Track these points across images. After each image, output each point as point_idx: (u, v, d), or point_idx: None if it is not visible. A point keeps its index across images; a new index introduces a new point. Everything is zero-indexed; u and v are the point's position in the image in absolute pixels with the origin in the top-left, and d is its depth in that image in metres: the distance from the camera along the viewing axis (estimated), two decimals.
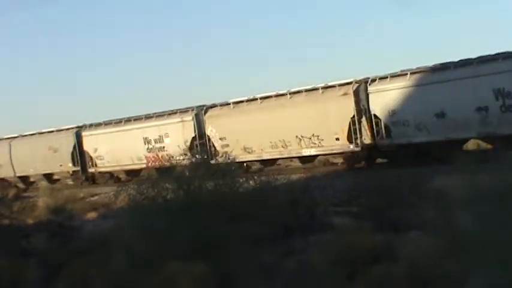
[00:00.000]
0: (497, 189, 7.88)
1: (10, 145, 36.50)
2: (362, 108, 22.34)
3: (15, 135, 37.07)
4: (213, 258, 10.43)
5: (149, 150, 29.80)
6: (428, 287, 8.61)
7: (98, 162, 32.32)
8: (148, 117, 30.62)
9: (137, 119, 31.10)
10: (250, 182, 12.73)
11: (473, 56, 20.17)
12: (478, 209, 7.93)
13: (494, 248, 7.52)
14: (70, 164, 33.27)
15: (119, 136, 31.15)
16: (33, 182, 36.58)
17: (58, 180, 35.17)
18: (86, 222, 19.90)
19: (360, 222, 12.95)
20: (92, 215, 21.21)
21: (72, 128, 33.77)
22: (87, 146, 32.77)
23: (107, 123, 32.75)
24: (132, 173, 30.95)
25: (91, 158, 32.65)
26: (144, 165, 29.95)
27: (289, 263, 11.04)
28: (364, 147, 22.28)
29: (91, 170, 32.74)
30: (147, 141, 29.98)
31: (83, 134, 33.06)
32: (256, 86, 72.08)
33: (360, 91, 22.50)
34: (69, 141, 33.27)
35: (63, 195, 25.26)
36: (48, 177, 35.12)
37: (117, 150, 31.07)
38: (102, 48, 74.15)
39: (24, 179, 36.46)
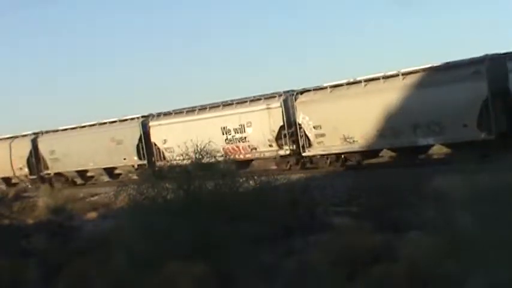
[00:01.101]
0: (497, 189, 7.88)
1: (68, 137, 33.92)
2: None
3: (73, 125, 34.37)
4: (213, 258, 10.43)
5: (228, 141, 26.87)
6: (428, 287, 8.61)
7: (168, 155, 28.68)
8: (227, 104, 27.46)
9: (214, 106, 27.93)
10: (250, 182, 12.73)
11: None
12: (478, 209, 7.93)
13: (494, 248, 7.52)
14: (135, 157, 30.42)
15: (192, 126, 27.62)
16: (91, 177, 34.53)
17: (120, 174, 32.65)
18: (86, 222, 19.89)
19: (360, 222, 12.95)
20: (92, 215, 21.19)
21: (138, 118, 30.90)
22: (155, 137, 29.91)
23: (178, 112, 29.68)
24: None
25: (159, 150, 29.68)
26: (221, 158, 27.18)
27: (289, 263, 11.04)
28: None
29: (160, 163, 28.07)
30: (225, 131, 26.95)
31: (150, 124, 30.27)
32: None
33: None
34: (135, 132, 30.54)
35: (63, 195, 25.26)
36: (110, 171, 32.59)
37: (190, 141, 28.04)
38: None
39: (82, 173, 34.03)
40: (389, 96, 21.30)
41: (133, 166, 30.77)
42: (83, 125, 33.70)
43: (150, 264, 10.59)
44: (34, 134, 35.96)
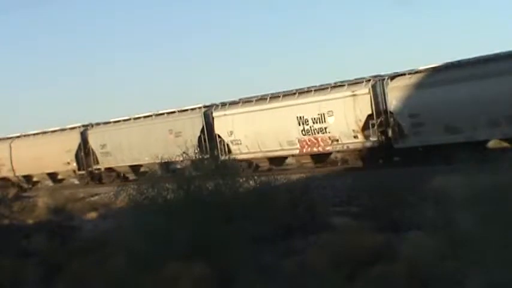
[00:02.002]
0: (497, 189, 7.88)
1: (120, 129, 31.57)
2: None
3: (127, 117, 31.93)
4: (213, 258, 10.43)
5: (305, 132, 24.49)
6: (428, 287, 8.61)
7: (234, 148, 26.57)
8: (303, 91, 24.91)
9: (288, 94, 25.46)
10: (250, 182, 12.72)
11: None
12: (478, 208, 7.93)
13: (494, 248, 7.52)
14: (196, 151, 28.17)
15: (263, 116, 25.49)
16: (145, 173, 30.16)
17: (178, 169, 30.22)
18: (86, 222, 19.89)
19: (360, 222, 12.96)
20: (92, 215, 21.19)
21: (200, 108, 28.45)
22: (220, 128, 27.32)
23: (246, 101, 27.00)
24: (277, 161, 26.32)
25: (223, 142, 27.01)
26: (296, 151, 25.09)
27: (289, 263, 11.04)
28: None
29: (224, 157, 24.78)
30: (302, 121, 24.42)
31: (214, 114, 27.68)
32: None
33: None
34: (196, 124, 28.03)
35: (63, 196, 25.26)
36: (166, 166, 30.42)
37: (260, 133, 25.66)
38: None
39: (136, 168, 31.09)
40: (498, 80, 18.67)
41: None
42: (136, 116, 31.47)
43: (150, 264, 10.59)
44: (83, 126, 33.62)
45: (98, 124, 33.65)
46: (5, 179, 36.75)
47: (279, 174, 17.22)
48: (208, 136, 27.35)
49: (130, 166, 31.21)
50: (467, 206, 8.18)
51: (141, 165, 30.67)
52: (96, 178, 32.92)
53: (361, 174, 20.53)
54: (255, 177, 13.19)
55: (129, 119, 31.61)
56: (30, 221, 21.03)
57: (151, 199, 12.21)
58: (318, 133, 23.89)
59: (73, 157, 32.99)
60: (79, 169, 33.10)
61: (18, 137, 37.25)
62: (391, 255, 9.99)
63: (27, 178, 36.05)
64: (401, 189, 14.41)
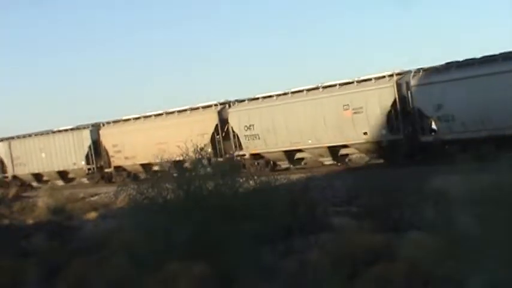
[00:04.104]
0: (497, 189, 7.88)
1: (272, 106, 26.42)
2: None
3: (280, 92, 26.53)
4: (213, 258, 10.43)
5: None
6: (428, 287, 8.61)
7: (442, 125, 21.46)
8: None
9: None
10: (250, 182, 12.71)
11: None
12: (478, 209, 7.93)
13: (494, 248, 7.52)
14: (384, 131, 22.68)
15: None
16: (301, 160, 26.49)
17: (346, 155, 24.88)
18: (86, 222, 19.89)
19: (360, 222, 12.97)
20: (92, 215, 21.20)
21: (391, 76, 22.94)
22: (422, 101, 21.76)
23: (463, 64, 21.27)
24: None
25: (426, 118, 22.05)
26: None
27: (289, 263, 11.04)
28: None
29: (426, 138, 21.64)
30: None
31: (413, 82, 21.94)
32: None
33: None
34: (386, 96, 22.69)
35: (63, 195, 25.26)
36: (335, 151, 24.70)
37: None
38: None
39: (291, 154, 26.10)
40: None
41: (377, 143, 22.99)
42: (294, 90, 25.89)
43: (150, 264, 10.59)
44: (222, 104, 28.45)
45: (241, 101, 27.98)
46: (119, 168, 32.59)
47: (279, 174, 17.23)
48: (402, 112, 22.22)
49: (285, 152, 25.92)
50: (467, 206, 8.18)
51: (298, 150, 25.79)
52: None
53: (361, 174, 20.54)
54: (255, 177, 13.18)
55: (285, 94, 26.22)
56: (30, 221, 21.05)
57: (151, 199, 12.21)
58: None
59: (208, 141, 27.30)
60: (215, 155, 27.06)
61: (137, 118, 32.55)
62: (391, 255, 9.98)
63: (147, 167, 30.01)
64: (402, 189, 14.42)
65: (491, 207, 7.70)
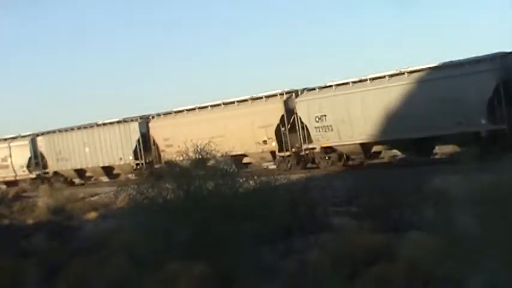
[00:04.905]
0: (497, 189, 7.88)
1: (345, 94, 23.54)
2: None
3: (356, 78, 23.45)
4: (213, 258, 10.43)
5: None
6: (428, 287, 8.61)
7: None
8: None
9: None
10: (250, 182, 12.72)
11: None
12: (478, 209, 7.93)
13: (494, 248, 7.52)
14: (483, 120, 19.98)
15: None
16: (378, 153, 23.77)
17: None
18: (86, 222, 19.89)
19: (360, 222, 12.97)
20: (92, 215, 21.20)
21: (493, 59, 20.16)
22: None
23: None
24: None
25: None
26: None
27: (289, 263, 11.04)
28: None
29: None
30: None
31: None
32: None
33: None
34: (487, 81, 19.77)
35: (63, 195, 25.27)
36: (425, 145, 21.88)
37: None
38: None
39: (367, 148, 23.07)
40: None
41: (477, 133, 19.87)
42: (372, 76, 23.08)
43: (150, 264, 10.60)
44: (288, 93, 25.69)
45: (311, 90, 25.02)
46: (170, 163, 27.94)
47: (279, 174, 17.21)
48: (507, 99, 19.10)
49: (362, 144, 22.94)
50: (467, 205, 8.18)
51: (376, 143, 22.70)
52: (306, 161, 25.18)
53: (361, 174, 20.55)
54: (255, 177, 13.18)
55: (363, 81, 22.95)
56: (30, 221, 21.05)
57: (151, 199, 12.21)
58: None
59: (273, 134, 25.13)
60: (280, 149, 25.33)
61: (190, 109, 29.82)
62: (391, 255, 9.99)
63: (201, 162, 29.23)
64: (402, 189, 14.43)
65: (491, 207, 7.70)
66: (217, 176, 12.25)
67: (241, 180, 12.49)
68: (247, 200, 11.70)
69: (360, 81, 23.19)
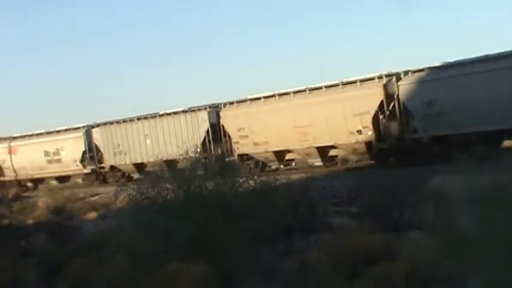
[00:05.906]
0: (497, 189, 7.89)
1: (455, 77, 19.88)
2: None
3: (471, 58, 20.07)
4: (213, 258, 10.43)
5: None
6: (428, 287, 8.61)
7: None
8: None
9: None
10: (250, 182, 12.72)
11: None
12: (478, 209, 7.94)
13: (494, 248, 7.52)
14: None
15: None
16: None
17: None
18: (86, 222, 19.90)
19: (360, 222, 12.96)
20: (92, 215, 21.20)
21: None
22: None
23: None
24: None
25: None
26: None
27: (289, 263, 11.04)
28: None
29: None
30: None
31: None
32: None
33: None
34: None
35: (63, 195, 25.25)
36: None
37: None
38: None
39: (487, 137, 18.89)
40: None
41: None
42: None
43: (150, 264, 10.60)
44: (387, 76, 22.24)
45: (415, 71, 21.68)
46: (245, 156, 26.52)
47: (279, 174, 17.23)
48: None
49: (481, 134, 19.19)
50: (467, 206, 8.19)
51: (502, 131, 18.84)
52: (412, 152, 21.06)
53: (361, 174, 20.54)
54: (255, 177, 13.19)
55: (484, 60, 19.59)
56: (30, 221, 21.05)
57: (151, 199, 12.22)
58: None
59: (369, 122, 21.90)
60: (378, 139, 22.03)
61: (269, 96, 26.21)
62: (391, 255, 9.99)
63: (279, 155, 25.39)
64: (401, 189, 14.43)
65: (491, 207, 7.71)
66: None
67: (241, 180, 12.50)
68: (247, 200, 11.71)
69: (481, 61, 19.78)
